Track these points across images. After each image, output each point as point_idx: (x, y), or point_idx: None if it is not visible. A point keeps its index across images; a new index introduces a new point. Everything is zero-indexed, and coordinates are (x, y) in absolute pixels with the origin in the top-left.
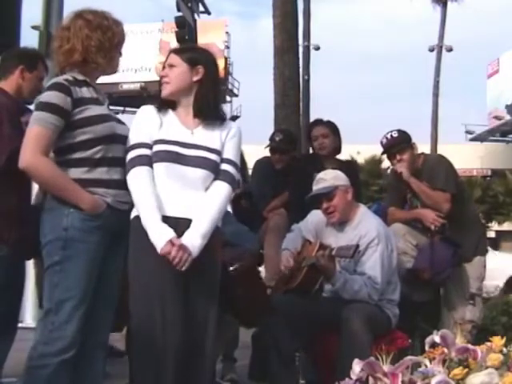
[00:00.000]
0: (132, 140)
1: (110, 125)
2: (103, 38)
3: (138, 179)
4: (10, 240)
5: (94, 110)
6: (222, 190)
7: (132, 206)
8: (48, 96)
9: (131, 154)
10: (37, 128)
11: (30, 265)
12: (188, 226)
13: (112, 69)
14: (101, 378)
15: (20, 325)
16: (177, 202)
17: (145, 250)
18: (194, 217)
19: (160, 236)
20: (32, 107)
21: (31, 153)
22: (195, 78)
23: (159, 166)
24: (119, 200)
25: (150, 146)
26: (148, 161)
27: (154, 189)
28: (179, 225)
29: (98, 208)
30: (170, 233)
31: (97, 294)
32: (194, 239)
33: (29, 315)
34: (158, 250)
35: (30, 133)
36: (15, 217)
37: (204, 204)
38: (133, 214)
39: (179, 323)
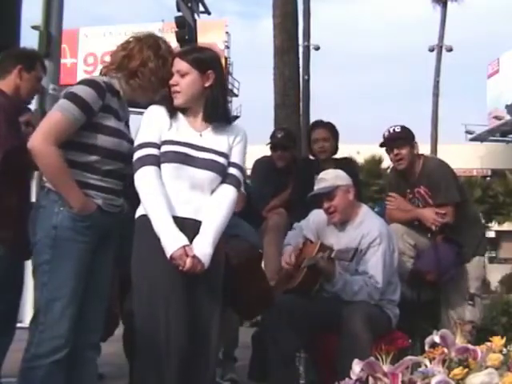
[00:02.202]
0: (140, 139)
1: (118, 141)
2: (161, 68)
3: (146, 179)
4: (9, 240)
5: (111, 122)
6: (229, 194)
7: (123, 209)
8: (80, 90)
9: (139, 153)
10: (57, 114)
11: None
12: (194, 227)
13: (146, 98)
14: (95, 379)
15: (19, 325)
16: (184, 203)
17: (150, 250)
18: (200, 218)
19: (173, 240)
20: (32, 106)
21: (42, 136)
22: (207, 84)
23: (167, 167)
24: (110, 203)
25: (158, 146)
26: (156, 160)
27: (163, 189)
28: (185, 225)
29: (87, 209)
30: (183, 239)
31: (87, 295)
32: (204, 248)
33: (28, 315)
34: (169, 253)
35: (49, 117)
36: (14, 217)
37: (212, 208)
38: (138, 214)
39: (183, 323)
